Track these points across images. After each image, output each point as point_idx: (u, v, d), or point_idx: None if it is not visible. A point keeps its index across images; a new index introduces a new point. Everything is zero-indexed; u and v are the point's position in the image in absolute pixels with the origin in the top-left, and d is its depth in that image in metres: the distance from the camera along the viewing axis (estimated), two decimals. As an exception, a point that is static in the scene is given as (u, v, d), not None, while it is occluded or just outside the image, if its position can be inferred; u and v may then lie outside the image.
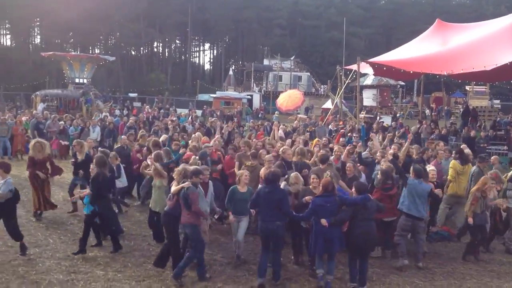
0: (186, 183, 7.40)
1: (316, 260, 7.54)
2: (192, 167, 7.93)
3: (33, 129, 19.03)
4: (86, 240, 8.54)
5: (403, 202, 8.49)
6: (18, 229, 8.42)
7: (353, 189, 7.66)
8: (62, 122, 19.98)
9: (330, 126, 22.01)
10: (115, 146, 15.32)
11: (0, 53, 63.57)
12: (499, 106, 43.44)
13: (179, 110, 34.85)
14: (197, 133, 14.16)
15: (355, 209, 7.26)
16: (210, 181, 8.56)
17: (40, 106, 28.95)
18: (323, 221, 7.06)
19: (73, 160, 11.23)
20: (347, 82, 25.04)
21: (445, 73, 18.76)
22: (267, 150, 11.12)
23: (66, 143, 19.12)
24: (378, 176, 8.89)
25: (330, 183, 7.36)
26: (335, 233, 7.20)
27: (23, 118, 20.95)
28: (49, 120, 20.11)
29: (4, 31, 70.48)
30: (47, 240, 9.13)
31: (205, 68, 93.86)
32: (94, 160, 9.15)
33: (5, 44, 70.76)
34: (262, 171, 9.28)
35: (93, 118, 21.88)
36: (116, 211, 10.49)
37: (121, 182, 10.91)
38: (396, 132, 19.95)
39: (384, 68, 21.28)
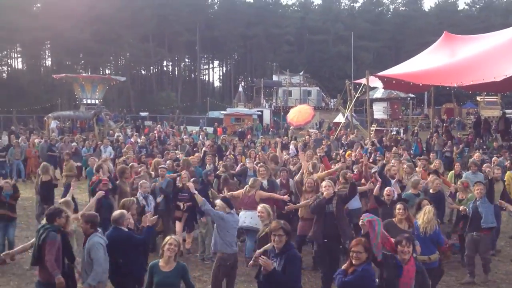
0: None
1: None
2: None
3: (43, 152, 19.21)
4: None
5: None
6: None
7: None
8: (74, 144, 20.13)
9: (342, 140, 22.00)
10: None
11: (12, 77, 64.64)
12: (512, 115, 43.09)
13: (190, 128, 35.07)
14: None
15: None
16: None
17: (53, 124, 29.44)
18: None
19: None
20: (356, 96, 25.06)
21: (455, 85, 18.75)
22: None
23: (79, 164, 19.18)
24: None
25: None
26: None
27: (36, 140, 21.13)
28: (59, 142, 20.30)
29: (16, 54, 71.44)
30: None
31: (215, 85, 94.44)
32: None
33: (17, 67, 71.67)
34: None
35: (105, 138, 22.03)
36: None
37: None
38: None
39: (394, 82, 21.33)
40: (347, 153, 14.95)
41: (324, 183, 7.88)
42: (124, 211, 6.66)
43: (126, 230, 6.40)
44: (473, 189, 8.61)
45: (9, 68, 70.28)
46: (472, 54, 19.63)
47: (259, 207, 7.47)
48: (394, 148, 16.18)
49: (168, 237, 5.61)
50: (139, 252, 6.44)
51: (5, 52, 67.78)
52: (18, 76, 63.23)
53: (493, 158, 13.47)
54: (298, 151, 13.87)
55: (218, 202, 7.36)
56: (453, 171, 11.79)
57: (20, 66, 72.00)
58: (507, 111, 43.56)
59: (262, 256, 5.13)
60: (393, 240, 5.46)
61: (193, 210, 9.50)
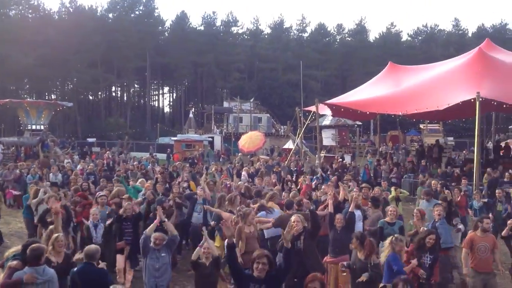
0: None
1: None
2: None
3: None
4: None
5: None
6: None
7: None
8: (17, 171, 19.34)
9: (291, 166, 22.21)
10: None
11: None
12: (453, 143, 45.00)
13: (140, 154, 34.49)
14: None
15: None
16: None
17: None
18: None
19: None
20: (306, 123, 25.49)
21: (400, 113, 19.48)
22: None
23: (18, 193, 18.07)
24: None
25: None
26: None
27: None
28: (3, 169, 19.52)
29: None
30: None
31: (165, 111, 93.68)
32: None
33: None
34: None
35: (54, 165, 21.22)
36: None
37: None
38: None
39: (342, 109, 21.90)
40: (300, 179, 15.26)
41: (293, 218, 7.26)
42: (98, 247, 6.49)
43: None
44: (432, 209, 9.04)
45: None
46: (415, 84, 20.44)
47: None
48: (346, 176, 16.58)
49: None
50: None
51: None
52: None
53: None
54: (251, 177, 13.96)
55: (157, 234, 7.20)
56: (393, 195, 12.12)
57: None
58: (448, 138, 45.59)
59: None
60: None
61: (137, 242, 8.64)
